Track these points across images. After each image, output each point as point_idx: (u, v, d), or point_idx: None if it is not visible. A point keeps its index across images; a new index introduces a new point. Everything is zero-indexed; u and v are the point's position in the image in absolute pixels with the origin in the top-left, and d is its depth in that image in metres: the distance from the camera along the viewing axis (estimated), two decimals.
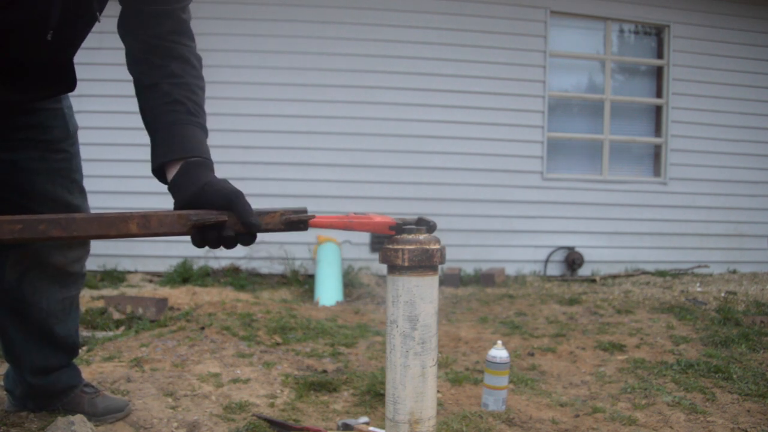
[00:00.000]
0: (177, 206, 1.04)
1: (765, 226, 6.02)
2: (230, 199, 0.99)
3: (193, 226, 0.97)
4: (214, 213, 0.99)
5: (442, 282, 4.97)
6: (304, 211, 1.04)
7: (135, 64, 1.20)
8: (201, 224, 0.97)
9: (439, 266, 1.05)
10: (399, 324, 1.01)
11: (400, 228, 1.03)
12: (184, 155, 1.10)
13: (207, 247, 1.01)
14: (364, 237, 5.27)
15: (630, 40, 6.09)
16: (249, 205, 0.99)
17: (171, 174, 1.10)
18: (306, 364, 2.43)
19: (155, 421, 1.77)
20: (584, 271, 5.64)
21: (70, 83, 1.38)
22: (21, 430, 1.62)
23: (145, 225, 0.95)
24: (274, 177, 5.23)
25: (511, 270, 5.51)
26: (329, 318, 3.37)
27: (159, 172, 1.13)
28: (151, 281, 4.82)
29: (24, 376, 1.67)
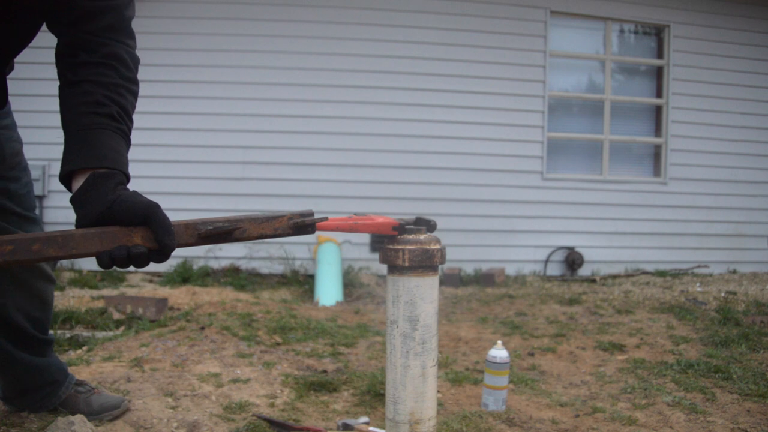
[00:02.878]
0: (81, 225, 0.91)
1: (765, 226, 6.02)
2: (147, 214, 0.89)
3: (203, 236, 0.93)
4: (222, 220, 0.94)
5: (442, 282, 4.97)
6: (311, 214, 1.03)
7: (61, 57, 1.05)
8: (207, 234, 0.92)
9: (439, 266, 1.05)
10: (399, 324, 1.01)
11: (402, 228, 1.03)
12: (93, 165, 0.96)
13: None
14: (364, 237, 5.27)
15: (630, 40, 6.09)
16: (167, 220, 0.90)
17: (76, 185, 0.96)
18: (306, 364, 2.43)
19: (155, 421, 1.77)
20: (584, 271, 5.64)
21: None
22: (21, 430, 1.61)
23: (151, 238, 0.90)
24: (274, 177, 5.22)
25: (511, 270, 5.51)
26: (329, 318, 3.37)
27: (67, 181, 0.99)
28: (151, 281, 4.82)
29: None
